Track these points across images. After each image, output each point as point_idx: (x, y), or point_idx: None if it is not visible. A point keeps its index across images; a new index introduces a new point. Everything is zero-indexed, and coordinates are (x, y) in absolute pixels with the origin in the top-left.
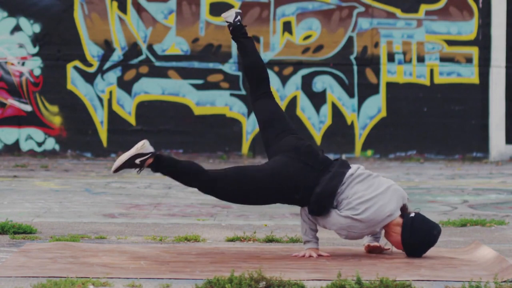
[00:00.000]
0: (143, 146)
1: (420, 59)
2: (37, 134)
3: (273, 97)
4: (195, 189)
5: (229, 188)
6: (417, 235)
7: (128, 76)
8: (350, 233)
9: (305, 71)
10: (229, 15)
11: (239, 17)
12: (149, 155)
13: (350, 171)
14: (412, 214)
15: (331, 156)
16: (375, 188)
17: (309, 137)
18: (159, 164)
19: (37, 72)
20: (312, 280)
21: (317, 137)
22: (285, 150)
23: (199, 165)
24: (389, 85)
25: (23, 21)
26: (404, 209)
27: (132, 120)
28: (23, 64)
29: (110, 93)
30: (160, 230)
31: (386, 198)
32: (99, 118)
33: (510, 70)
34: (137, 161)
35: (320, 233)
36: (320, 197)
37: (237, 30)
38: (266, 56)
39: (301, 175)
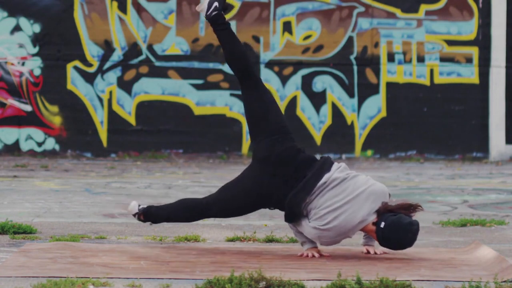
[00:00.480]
0: (129, 208)
1: (420, 59)
2: (37, 134)
3: (259, 86)
4: (195, 189)
5: (224, 210)
6: (391, 242)
7: (128, 76)
8: (322, 241)
9: (305, 71)
10: (202, 8)
11: (215, 4)
12: (136, 214)
13: (324, 178)
14: (382, 225)
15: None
16: (349, 193)
17: (309, 137)
18: (150, 218)
19: (37, 72)
20: (312, 280)
21: (317, 137)
22: (258, 159)
23: (191, 199)
24: (389, 85)
25: (23, 21)
26: (383, 209)
27: (132, 120)
28: (23, 64)
29: (110, 93)
30: (160, 230)
31: (359, 204)
32: (99, 118)
33: (510, 70)
34: (136, 218)
35: None
36: (288, 207)
37: (212, 23)
38: (266, 56)
39: (271, 188)
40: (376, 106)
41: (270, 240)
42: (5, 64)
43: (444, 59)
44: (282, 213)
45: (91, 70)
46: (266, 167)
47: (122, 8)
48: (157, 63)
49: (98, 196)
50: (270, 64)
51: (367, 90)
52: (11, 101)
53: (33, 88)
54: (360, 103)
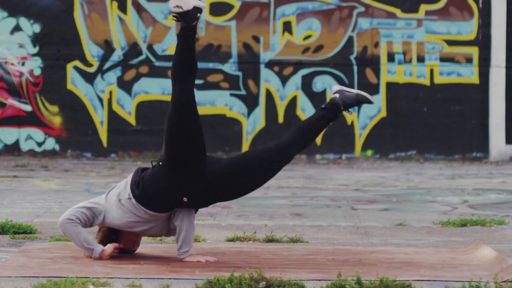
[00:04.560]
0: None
1: (420, 59)
2: (37, 134)
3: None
4: None
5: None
6: None
7: (128, 76)
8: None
9: (305, 71)
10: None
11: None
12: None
13: None
14: None
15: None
16: None
17: None
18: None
19: (37, 72)
20: (312, 280)
21: (317, 137)
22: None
23: None
24: (389, 85)
25: (23, 21)
26: None
27: (132, 120)
28: (23, 64)
29: (110, 93)
30: None
31: None
32: (99, 118)
33: (510, 70)
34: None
35: (320, 233)
36: None
37: (188, 29)
38: (266, 56)
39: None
40: (376, 106)
41: (270, 240)
42: (5, 64)
43: (444, 59)
44: (282, 213)
45: (91, 70)
46: None
47: (122, 8)
48: (157, 63)
49: (98, 196)
50: (270, 64)
51: (367, 90)
52: (11, 101)
53: (33, 88)
54: None
